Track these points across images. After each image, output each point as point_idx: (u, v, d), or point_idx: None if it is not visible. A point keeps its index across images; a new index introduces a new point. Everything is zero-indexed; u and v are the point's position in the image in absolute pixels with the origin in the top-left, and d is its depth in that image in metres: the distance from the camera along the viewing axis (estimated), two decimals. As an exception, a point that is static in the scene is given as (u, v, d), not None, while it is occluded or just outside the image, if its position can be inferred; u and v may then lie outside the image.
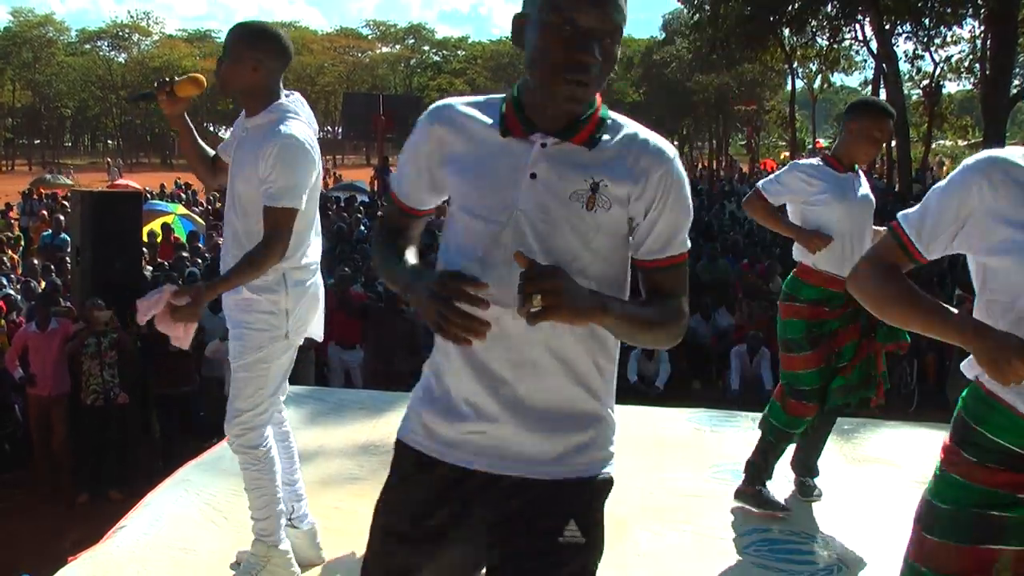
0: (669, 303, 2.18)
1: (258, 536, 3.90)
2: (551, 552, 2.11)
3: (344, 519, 4.71)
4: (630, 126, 2.17)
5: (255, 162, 3.60)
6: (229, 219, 3.83)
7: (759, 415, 6.59)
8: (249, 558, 3.92)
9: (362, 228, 18.30)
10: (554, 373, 2.16)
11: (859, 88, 60.43)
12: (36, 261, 14.06)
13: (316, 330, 4.01)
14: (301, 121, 3.70)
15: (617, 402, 2.29)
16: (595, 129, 2.14)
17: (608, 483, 2.25)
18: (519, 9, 2.15)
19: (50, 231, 17.01)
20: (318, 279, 3.95)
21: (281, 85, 3.78)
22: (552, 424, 2.17)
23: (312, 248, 3.87)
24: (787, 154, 48.46)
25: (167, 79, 3.82)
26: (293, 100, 3.77)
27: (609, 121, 2.16)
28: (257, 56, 3.67)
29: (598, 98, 2.16)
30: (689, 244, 2.20)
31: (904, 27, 33.88)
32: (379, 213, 20.18)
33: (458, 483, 2.21)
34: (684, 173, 2.18)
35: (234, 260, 3.67)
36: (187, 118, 3.99)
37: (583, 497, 2.20)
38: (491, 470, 2.19)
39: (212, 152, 4.11)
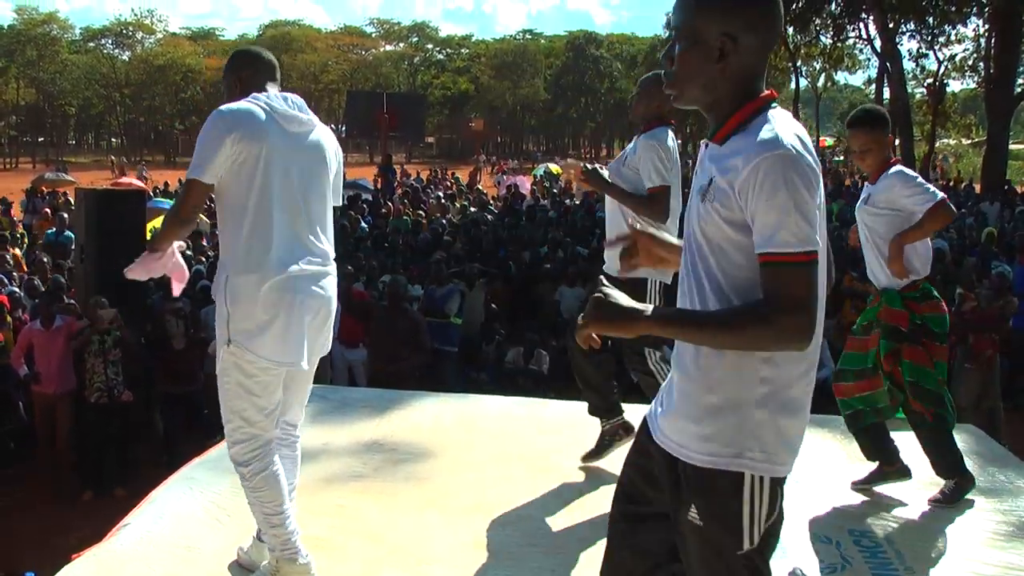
0: (748, 305, 2.27)
1: (269, 548, 3.88)
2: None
3: (348, 517, 4.72)
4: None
5: None
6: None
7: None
8: (264, 566, 3.91)
9: (363, 226, 18.29)
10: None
11: (862, 87, 60.28)
12: (45, 259, 14.06)
13: (285, 355, 3.70)
14: (247, 101, 3.66)
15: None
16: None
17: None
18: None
19: (54, 229, 17.02)
20: (285, 294, 3.64)
21: (268, 88, 3.81)
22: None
23: (282, 259, 3.63)
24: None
25: None
26: (269, 95, 3.73)
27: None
28: (236, 76, 3.84)
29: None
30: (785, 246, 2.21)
31: (908, 25, 33.92)
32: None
33: None
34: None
35: (226, 250, 3.69)
36: None
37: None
38: None
39: None
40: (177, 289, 4.03)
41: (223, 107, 3.64)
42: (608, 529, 2.76)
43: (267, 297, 3.61)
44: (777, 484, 2.40)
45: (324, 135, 3.85)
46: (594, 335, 2.44)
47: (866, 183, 5.14)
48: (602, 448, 5.41)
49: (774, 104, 2.37)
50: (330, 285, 3.84)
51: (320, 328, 3.83)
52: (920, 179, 4.87)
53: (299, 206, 3.71)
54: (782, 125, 2.27)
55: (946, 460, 5.02)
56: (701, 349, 2.38)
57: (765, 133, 2.24)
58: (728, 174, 2.26)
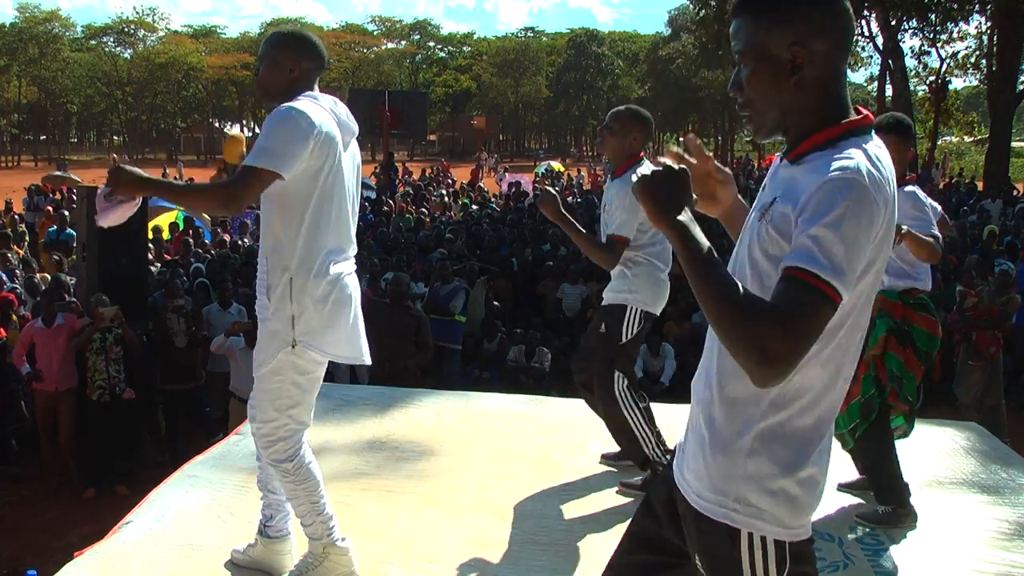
0: (760, 301, 1.96)
1: (309, 538, 3.91)
2: None
3: (350, 515, 4.71)
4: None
5: None
6: (264, 214, 3.73)
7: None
8: (306, 557, 3.93)
9: (370, 216, 18.35)
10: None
11: (864, 84, 60.21)
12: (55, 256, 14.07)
13: (350, 351, 3.83)
14: (316, 103, 3.63)
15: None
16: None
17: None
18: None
19: (55, 226, 17.03)
20: (342, 294, 3.74)
21: (316, 87, 3.77)
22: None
23: (334, 260, 3.71)
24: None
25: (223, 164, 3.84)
26: (323, 96, 3.74)
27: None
28: (293, 58, 3.68)
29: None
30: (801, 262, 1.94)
31: (910, 23, 33.86)
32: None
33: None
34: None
35: (281, 251, 3.63)
36: None
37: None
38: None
39: None
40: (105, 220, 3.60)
41: (303, 108, 3.52)
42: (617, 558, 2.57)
43: (330, 296, 3.68)
44: (785, 549, 2.16)
45: (356, 144, 3.88)
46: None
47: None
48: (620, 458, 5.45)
49: (871, 132, 2.15)
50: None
51: (360, 322, 3.90)
52: (929, 206, 4.79)
53: (346, 211, 3.76)
54: (867, 154, 2.04)
55: (884, 479, 4.90)
56: (712, 380, 2.23)
57: (844, 157, 2.02)
58: (793, 198, 2.05)
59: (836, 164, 2.00)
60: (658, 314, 5.15)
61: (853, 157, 2.01)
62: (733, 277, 2.01)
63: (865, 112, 2.18)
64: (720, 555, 2.20)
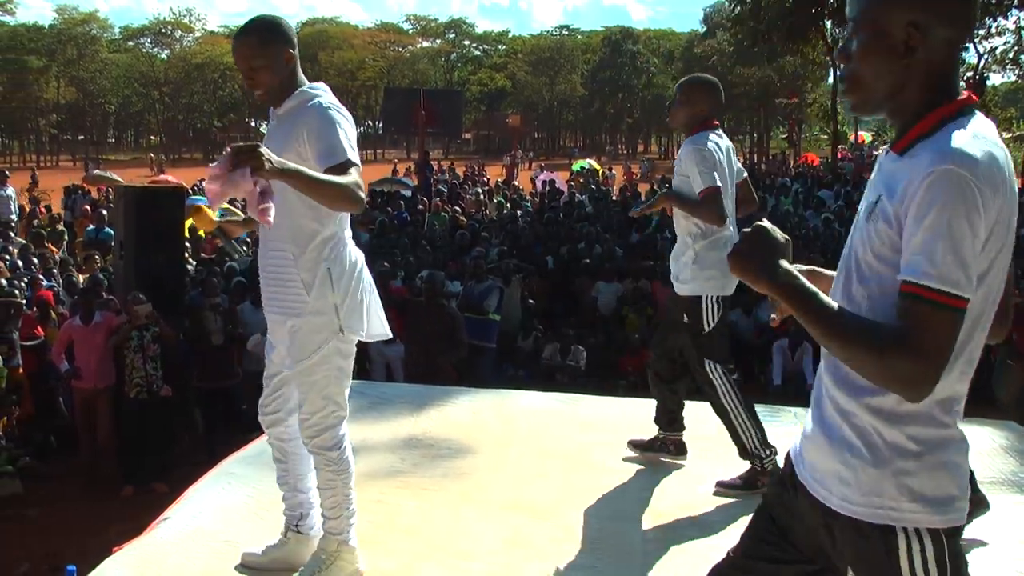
0: (876, 326, 1.95)
1: (327, 532, 3.91)
2: None
3: (386, 512, 4.72)
4: None
5: (292, 140, 3.57)
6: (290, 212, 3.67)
7: (802, 410, 6.55)
8: (318, 553, 3.92)
9: (404, 214, 18.42)
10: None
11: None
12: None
13: (382, 328, 3.94)
14: (331, 95, 3.71)
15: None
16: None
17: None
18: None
19: (93, 225, 17.17)
20: (365, 276, 3.85)
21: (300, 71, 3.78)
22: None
23: (352, 246, 3.82)
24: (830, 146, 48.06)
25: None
26: (317, 85, 3.75)
27: None
28: (286, 47, 3.66)
29: None
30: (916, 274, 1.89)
31: (948, 18, 33.55)
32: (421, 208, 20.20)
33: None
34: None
35: (280, 234, 3.66)
36: (242, 220, 4.10)
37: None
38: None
39: None
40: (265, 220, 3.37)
41: (333, 102, 3.63)
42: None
43: (361, 280, 3.81)
44: (941, 540, 2.07)
45: None
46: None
47: None
48: (650, 449, 5.50)
49: (974, 111, 2.03)
50: None
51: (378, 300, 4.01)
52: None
53: None
54: (972, 137, 1.94)
55: None
56: (841, 372, 2.12)
57: (948, 143, 1.92)
58: (898, 193, 1.96)
59: (937, 155, 1.91)
60: (732, 292, 5.12)
61: (955, 144, 1.92)
62: (848, 311, 1.99)
63: (967, 92, 2.07)
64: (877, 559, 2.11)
